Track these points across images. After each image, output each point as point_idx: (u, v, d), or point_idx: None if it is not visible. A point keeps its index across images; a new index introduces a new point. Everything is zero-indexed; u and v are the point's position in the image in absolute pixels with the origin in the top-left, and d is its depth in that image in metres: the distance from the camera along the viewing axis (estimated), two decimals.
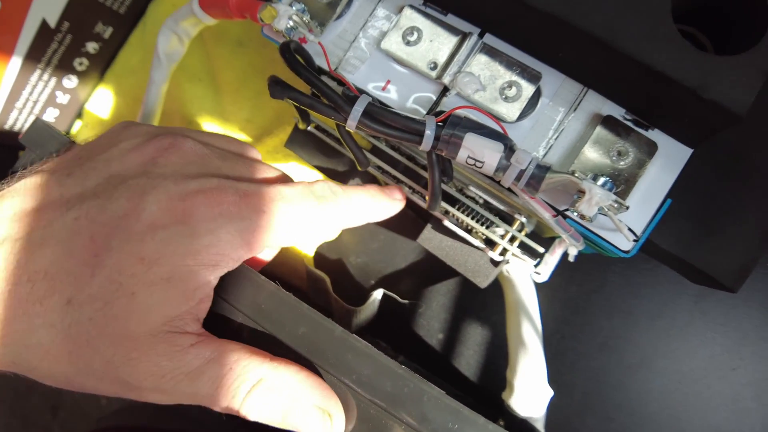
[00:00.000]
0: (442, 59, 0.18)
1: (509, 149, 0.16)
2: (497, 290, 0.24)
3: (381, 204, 0.18)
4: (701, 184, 0.18)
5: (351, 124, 0.16)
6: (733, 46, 0.16)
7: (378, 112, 0.16)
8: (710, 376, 0.27)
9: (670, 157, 0.17)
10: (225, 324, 0.16)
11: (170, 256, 0.14)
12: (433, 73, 0.18)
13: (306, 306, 0.15)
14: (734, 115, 0.14)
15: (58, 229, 0.14)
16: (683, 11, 0.15)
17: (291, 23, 0.19)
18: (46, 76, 0.34)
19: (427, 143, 0.16)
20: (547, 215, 0.17)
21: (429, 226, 0.21)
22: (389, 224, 0.30)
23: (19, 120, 0.35)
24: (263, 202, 0.15)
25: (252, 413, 0.14)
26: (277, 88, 0.17)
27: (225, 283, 0.15)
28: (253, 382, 0.14)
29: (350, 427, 0.15)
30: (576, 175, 0.16)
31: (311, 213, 0.16)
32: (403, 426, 0.14)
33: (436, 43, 0.18)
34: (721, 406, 0.27)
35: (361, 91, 0.17)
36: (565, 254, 0.21)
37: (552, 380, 0.22)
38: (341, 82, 0.19)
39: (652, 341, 0.28)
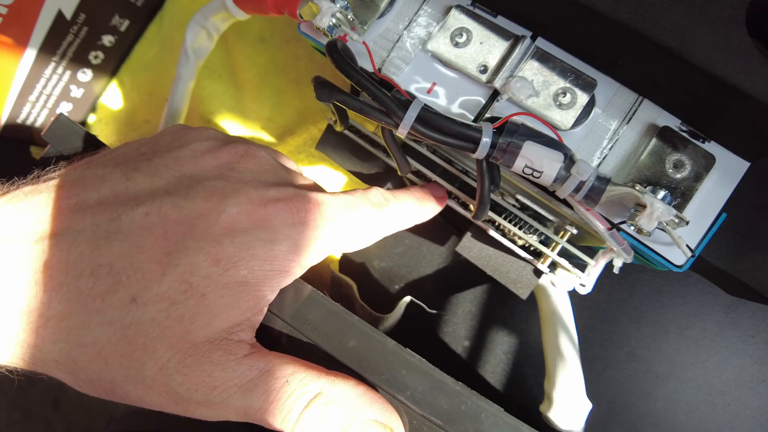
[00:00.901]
0: (492, 62, 0.17)
1: (569, 159, 0.15)
2: (528, 298, 0.23)
3: (427, 205, 0.19)
4: (750, 197, 0.18)
5: (403, 131, 0.15)
6: None
7: (432, 118, 0.15)
8: (740, 388, 0.27)
9: (727, 170, 0.17)
10: (269, 334, 0.15)
11: (249, 260, 0.13)
12: (483, 77, 0.18)
13: (356, 317, 0.15)
14: None
15: (126, 223, 0.13)
16: (753, 24, 0.15)
17: (334, 21, 0.18)
18: (60, 69, 0.33)
19: (482, 151, 0.15)
20: (602, 228, 0.16)
21: (468, 235, 0.20)
22: (414, 229, 0.30)
23: (32, 114, 0.34)
24: (332, 210, 0.16)
25: (307, 430, 0.13)
26: (324, 90, 0.16)
27: None
28: (311, 397, 0.13)
29: None
30: (636, 188, 0.15)
31: (370, 220, 0.16)
32: None
33: (486, 45, 0.18)
34: (750, 418, 0.27)
35: (412, 96, 0.16)
36: (608, 264, 0.20)
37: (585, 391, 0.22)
38: (386, 84, 0.18)
39: (680, 351, 0.28)
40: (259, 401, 0.13)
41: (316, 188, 0.17)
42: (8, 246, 0.12)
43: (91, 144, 0.22)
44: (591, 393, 0.22)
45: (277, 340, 0.15)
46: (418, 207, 0.18)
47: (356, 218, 0.16)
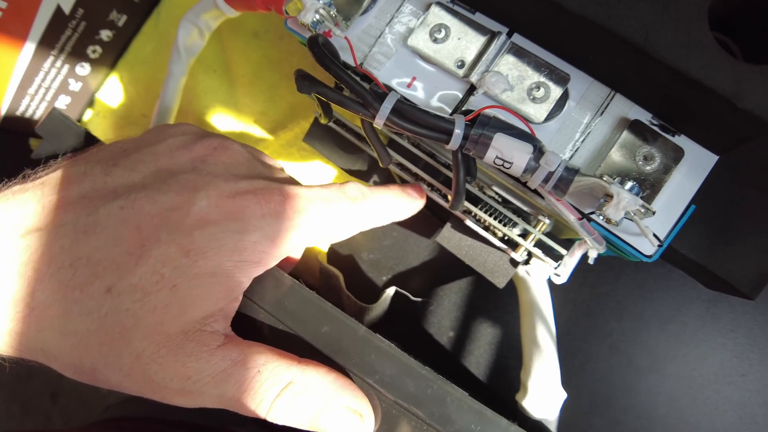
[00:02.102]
0: (469, 58, 0.18)
1: (538, 151, 0.16)
2: (510, 289, 0.24)
3: (404, 204, 0.19)
4: (722, 191, 0.18)
5: (379, 122, 0.16)
6: (764, 53, 0.16)
7: (407, 110, 0.16)
8: (719, 382, 0.28)
9: (695, 164, 0.17)
10: (248, 322, 0.16)
11: (218, 251, 0.14)
12: (461, 72, 0.18)
13: (329, 305, 0.15)
14: (766, 125, 0.14)
15: (103, 216, 0.14)
16: (716, 18, 0.15)
17: (317, 17, 0.19)
18: (59, 63, 0.34)
19: (455, 142, 0.16)
20: (572, 218, 0.17)
21: (448, 225, 0.21)
22: (402, 222, 0.30)
23: (31, 106, 0.35)
24: (305, 202, 0.16)
25: (280, 417, 0.14)
26: (305, 82, 0.16)
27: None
28: (282, 386, 0.14)
29: (375, 428, 0.15)
30: (604, 178, 0.16)
31: (345, 213, 0.17)
32: (426, 426, 0.14)
33: (463, 41, 0.18)
34: (729, 411, 0.27)
35: (389, 88, 0.17)
36: (584, 256, 0.21)
37: (561, 381, 0.22)
38: (367, 78, 0.19)
39: (662, 345, 0.28)
40: (233, 390, 0.14)
41: (291, 181, 0.17)
42: None
43: (84, 138, 0.23)
44: (573, 385, 0.23)
45: (258, 328, 0.16)
46: (396, 203, 0.18)
47: (330, 211, 0.16)
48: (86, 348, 0.13)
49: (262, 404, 0.14)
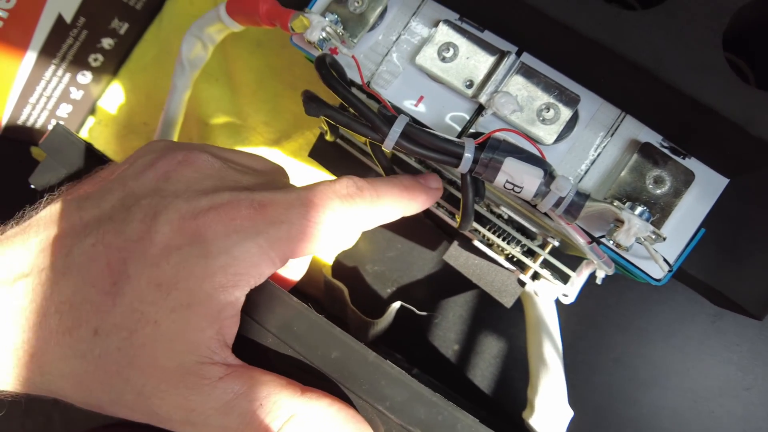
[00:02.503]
0: (478, 78, 0.18)
1: (549, 175, 0.15)
2: (516, 303, 0.23)
3: (415, 196, 0.16)
4: (732, 211, 0.18)
5: (388, 145, 0.16)
6: None
7: (416, 134, 0.16)
8: (724, 396, 0.28)
9: (706, 187, 0.17)
10: (254, 345, 0.16)
11: (186, 280, 0.13)
12: (469, 92, 0.18)
13: (338, 329, 0.15)
14: None
15: (77, 256, 0.13)
16: (730, 39, 0.15)
17: (324, 34, 0.18)
18: (60, 72, 0.33)
19: (465, 166, 0.16)
20: (582, 241, 0.16)
21: (455, 243, 0.21)
22: (407, 233, 0.30)
23: (33, 115, 0.34)
24: (281, 211, 0.14)
25: None
26: (312, 105, 0.16)
27: (255, 303, 0.15)
28: (285, 419, 0.14)
29: None
30: (615, 204, 0.16)
31: (335, 215, 0.15)
32: None
33: (472, 60, 0.18)
34: (734, 425, 0.27)
35: (398, 110, 0.17)
36: (592, 275, 0.21)
37: (567, 398, 0.22)
38: (374, 97, 0.18)
39: (666, 358, 0.28)
40: (236, 422, 0.13)
41: (270, 186, 0.15)
42: None
43: (88, 154, 0.23)
44: (577, 398, 0.23)
45: (264, 352, 0.16)
46: (404, 195, 0.16)
47: (316, 216, 0.14)
48: (88, 388, 0.13)
49: None
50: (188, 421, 0.13)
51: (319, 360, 0.15)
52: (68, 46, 0.33)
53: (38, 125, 0.35)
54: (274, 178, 0.17)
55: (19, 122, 0.34)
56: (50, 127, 0.37)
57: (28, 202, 0.16)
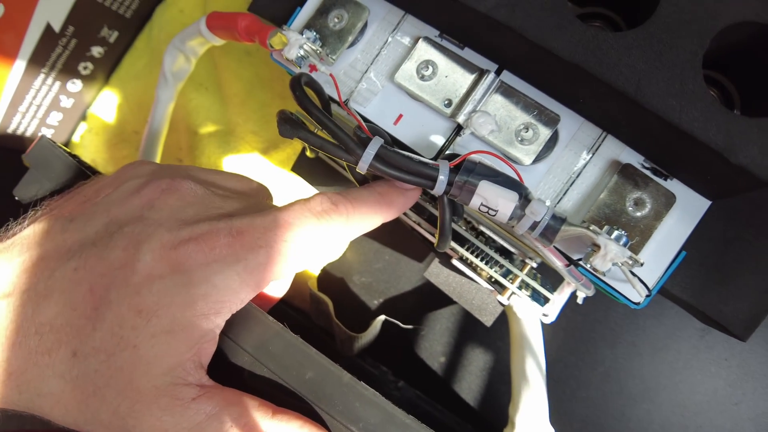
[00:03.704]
0: (457, 97, 0.18)
1: (525, 198, 0.15)
2: (501, 317, 0.23)
3: (391, 201, 0.17)
4: (716, 233, 0.18)
5: (362, 167, 0.16)
6: (763, 102, 0.16)
7: (390, 156, 0.15)
8: (712, 410, 0.27)
9: (687, 209, 0.17)
10: (230, 364, 0.15)
11: (168, 308, 0.13)
12: (448, 111, 0.18)
13: (314, 350, 0.15)
14: (761, 181, 0.13)
15: (59, 279, 0.13)
16: (714, 60, 0.15)
17: (302, 52, 0.18)
18: (50, 80, 0.33)
19: (439, 188, 0.16)
20: (559, 264, 0.16)
21: (436, 261, 0.21)
22: (394, 245, 0.30)
23: (23, 123, 0.34)
24: (259, 236, 0.14)
25: None
26: (287, 126, 0.16)
27: (232, 323, 0.15)
28: None
29: None
30: (591, 228, 0.15)
31: (312, 234, 0.15)
32: None
33: (451, 78, 0.18)
34: None
35: (374, 131, 0.16)
36: (573, 294, 0.20)
37: (552, 408, 0.22)
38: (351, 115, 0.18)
39: (654, 373, 0.28)
40: None
41: (251, 208, 0.15)
42: None
43: (73, 167, 0.23)
44: (565, 412, 0.23)
45: (238, 370, 0.16)
46: (381, 202, 0.16)
47: (292, 237, 0.15)
48: (65, 407, 0.13)
49: None
50: None
51: (294, 380, 0.15)
52: (57, 54, 0.33)
53: (28, 133, 0.35)
54: (257, 201, 0.17)
55: (9, 131, 0.34)
56: (35, 139, 0.37)
57: (16, 211, 0.16)
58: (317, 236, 0.15)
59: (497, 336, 0.29)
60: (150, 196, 0.15)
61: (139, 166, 0.17)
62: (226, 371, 0.15)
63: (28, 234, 0.15)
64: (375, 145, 0.15)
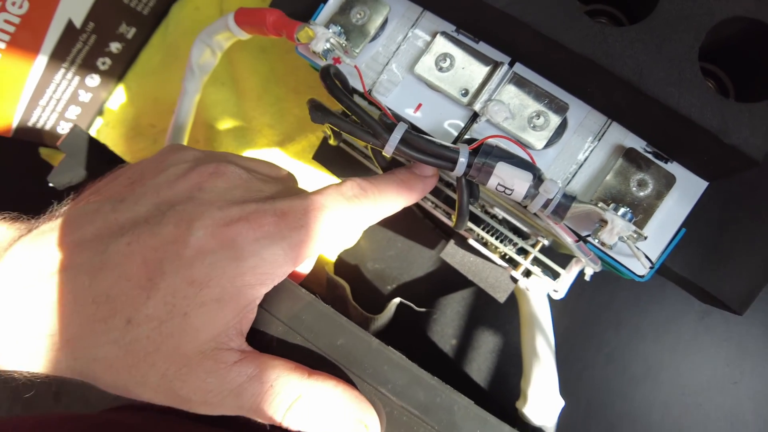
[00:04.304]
0: (473, 87, 0.19)
1: (538, 178, 0.16)
2: (510, 300, 0.25)
3: (412, 186, 0.18)
4: (714, 213, 0.19)
5: (388, 150, 0.17)
6: (755, 91, 0.17)
7: (414, 140, 0.17)
8: (712, 390, 0.29)
9: (687, 189, 0.18)
10: (265, 334, 0.17)
11: (219, 279, 0.15)
12: (465, 100, 0.19)
13: (344, 319, 0.16)
14: (752, 160, 0.15)
15: (113, 253, 0.15)
16: (711, 52, 0.16)
17: (328, 45, 0.19)
18: (69, 75, 0.34)
19: (459, 170, 0.17)
20: (569, 240, 0.17)
21: (452, 242, 0.22)
22: (407, 232, 0.31)
23: (42, 117, 0.35)
24: (300, 216, 0.16)
25: (293, 425, 0.15)
26: (318, 113, 0.17)
27: (268, 295, 0.16)
28: (293, 399, 0.15)
29: None
30: (599, 205, 0.17)
31: (344, 216, 0.16)
32: None
33: (467, 70, 0.19)
34: (721, 418, 0.28)
35: (398, 117, 0.18)
36: (581, 272, 0.22)
37: (559, 388, 0.23)
38: (375, 104, 0.19)
39: (657, 354, 0.29)
40: (249, 403, 0.15)
41: (289, 195, 0.17)
42: (31, 281, 0.14)
43: (104, 155, 0.24)
44: (571, 392, 0.24)
45: (274, 340, 0.17)
46: (403, 188, 0.18)
47: (328, 218, 0.16)
48: (117, 371, 0.14)
49: (275, 415, 0.15)
50: (206, 402, 0.14)
51: (326, 346, 0.16)
52: (77, 50, 0.34)
53: (48, 127, 0.36)
54: (288, 185, 0.19)
55: (30, 124, 0.35)
56: (59, 129, 0.38)
57: (39, 200, 0.17)
58: (348, 218, 0.17)
59: (506, 320, 0.30)
60: (198, 179, 0.16)
61: (182, 151, 0.18)
62: (263, 341, 0.16)
63: (77, 214, 0.16)
64: (400, 129, 0.17)
